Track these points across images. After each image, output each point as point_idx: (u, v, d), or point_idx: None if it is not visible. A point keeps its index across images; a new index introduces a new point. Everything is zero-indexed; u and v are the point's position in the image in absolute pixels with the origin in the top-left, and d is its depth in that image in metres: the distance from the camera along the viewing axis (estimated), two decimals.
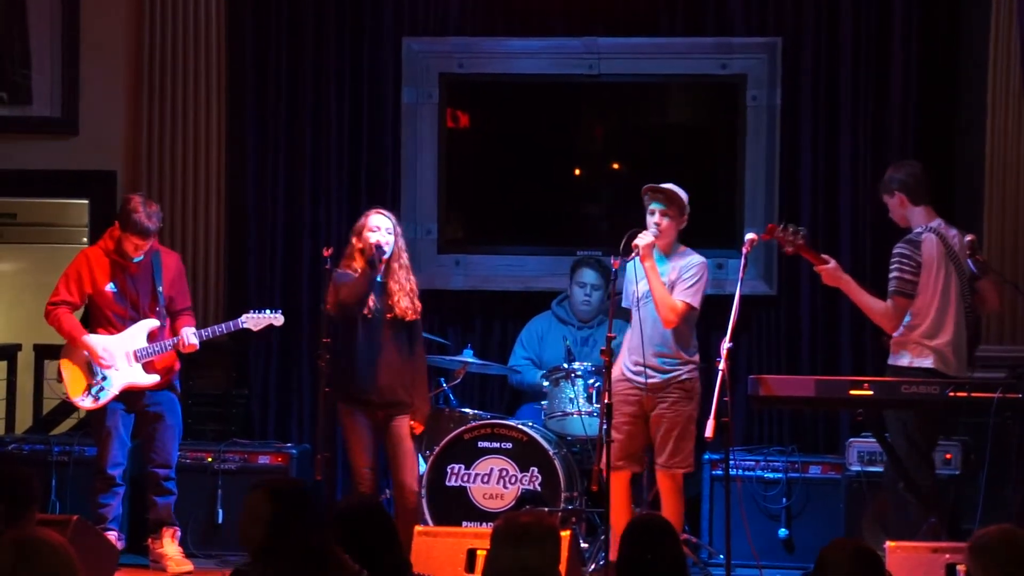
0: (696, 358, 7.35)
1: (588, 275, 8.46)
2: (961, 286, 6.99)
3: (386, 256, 7.41)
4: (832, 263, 7.05)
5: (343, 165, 9.17)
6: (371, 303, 7.38)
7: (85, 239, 9.62)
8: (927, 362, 6.91)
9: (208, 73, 9.07)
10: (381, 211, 7.53)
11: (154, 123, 9.08)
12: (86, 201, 9.61)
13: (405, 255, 7.54)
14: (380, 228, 7.40)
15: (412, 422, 7.50)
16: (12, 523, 4.64)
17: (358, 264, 7.38)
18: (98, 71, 9.26)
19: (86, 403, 7.71)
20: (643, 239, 7.15)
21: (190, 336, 7.67)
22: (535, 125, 9.23)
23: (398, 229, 7.51)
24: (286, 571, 4.28)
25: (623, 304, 7.49)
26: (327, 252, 7.45)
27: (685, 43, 8.98)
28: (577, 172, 9.22)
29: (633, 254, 7.16)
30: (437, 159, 9.10)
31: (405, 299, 7.42)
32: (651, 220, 7.26)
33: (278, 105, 9.19)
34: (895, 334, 7.00)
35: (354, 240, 7.45)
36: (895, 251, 7.02)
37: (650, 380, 7.21)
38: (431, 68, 9.10)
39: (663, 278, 7.22)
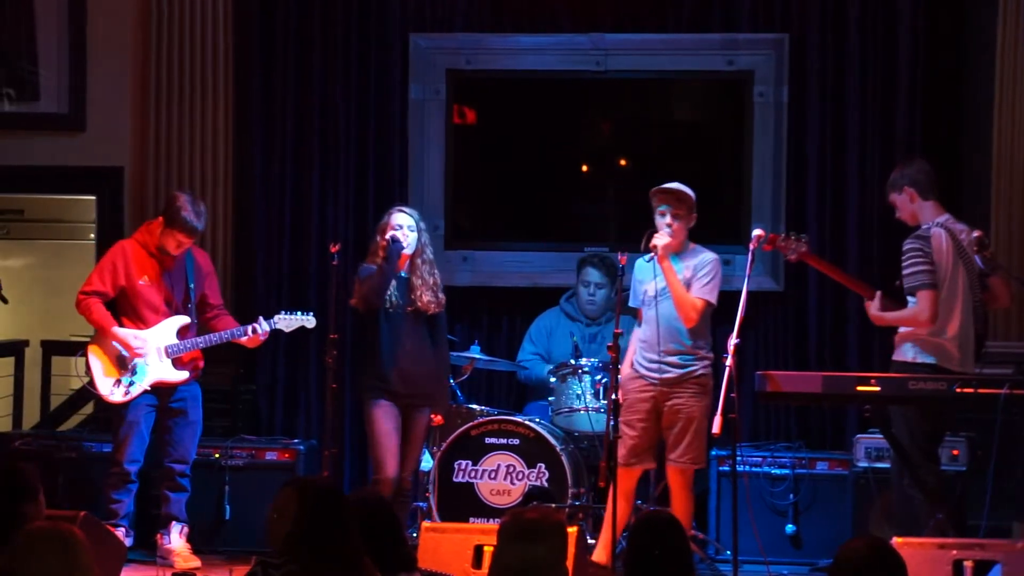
0: (711, 355, 7.36)
1: (592, 274, 8.47)
2: (970, 281, 6.98)
3: (406, 251, 7.44)
4: (874, 303, 7.05)
5: (350, 162, 9.18)
6: (393, 298, 7.42)
7: (92, 235, 9.64)
8: (930, 358, 6.91)
9: (215, 69, 9.08)
10: (404, 209, 7.61)
11: (161, 119, 9.09)
12: (93, 197, 9.62)
13: (429, 250, 7.60)
14: (403, 226, 7.46)
15: (433, 414, 7.54)
16: (13, 519, 4.64)
17: (380, 258, 7.41)
18: (105, 67, 9.27)
19: (116, 396, 7.68)
20: (661, 239, 7.20)
21: (264, 324, 7.69)
22: (542, 121, 9.23)
23: (422, 225, 7.58)
24: (311, 569, 4.29)
25: (630, 303, 7.51)
26: (334, 248, 7.47)
27: (692, 39, 8.98)
28: (584, 168, 9.22)
29: (652, 254, 7.19)
30: (444, 155, 9.11)
31: (428, 294, 7.47)
32: (662, 222, 7.27)
33: (285, 101, 9.20)
34: (901, 328, 7.00)
35: (378, 238, 7.49)
36: (906, 247, 7.00)
37: (665, 375, 7.23)
38: (438, 64, 9.10)
39: (678, 276, 7.25)
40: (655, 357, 7.26)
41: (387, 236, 7.40)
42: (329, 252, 7.53)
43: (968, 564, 6.07)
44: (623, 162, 9.32)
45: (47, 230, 11.00)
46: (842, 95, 8.85)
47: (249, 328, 7.70)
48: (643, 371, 7.32)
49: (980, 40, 8.71)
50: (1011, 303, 7.41)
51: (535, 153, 9.23)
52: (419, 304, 7.45)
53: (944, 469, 7.30)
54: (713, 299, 7.29)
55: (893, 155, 8.62)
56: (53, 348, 9.14)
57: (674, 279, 7.22)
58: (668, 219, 7.28)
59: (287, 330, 7.84)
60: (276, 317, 7.80)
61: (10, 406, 9.30)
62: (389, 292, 7.45)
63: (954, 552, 6.12)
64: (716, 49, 8.94)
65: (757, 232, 7.07)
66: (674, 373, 7.25)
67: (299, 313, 7.85)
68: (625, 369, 7.40)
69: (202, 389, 8.44)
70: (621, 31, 9.03)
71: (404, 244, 7.41)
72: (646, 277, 7.37)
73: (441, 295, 7.56)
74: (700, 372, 7.27)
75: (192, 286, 7.77)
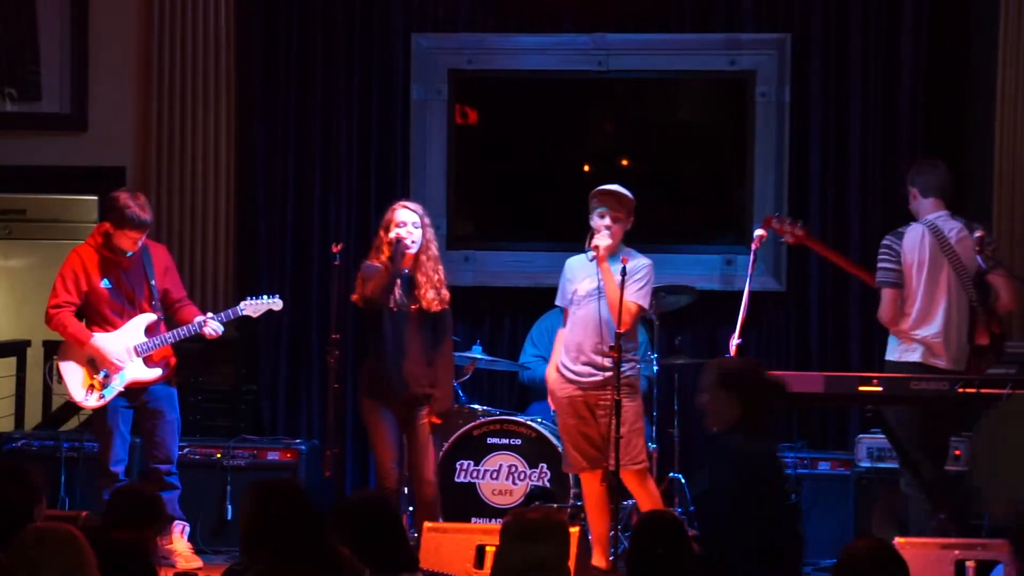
0: (637, 356, 7.32)
1: None
2: (958, 278, 6.98)
3: (412, 251, 7.36)
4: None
5: (352, 161, 9.18)
6: (397, 296, 7.34)
7: None
8: (914, 355, 6.95)
9: (217, 69, 9.08)
10: (407, 205, 7.43)
11: (163, 119, 9.10)
12: (95, 197, 9.61)
13: (434, 246, 7.45)
14: (407, 223, 7.32)
15: (430, 415, 7.36)
16: (17, 519, 4.64)
17: (385, 257, 7.32)
18: (107, 67, 9.28)
19: (91, 402, 7.68)
20: (602, 240, 7.13)
21: (213, 322, 7.67)
22: (544, 121, 9.23)
23: (426, 221, 7.41)
24: (275, 569, 4.29)
25: (557, 301, 7.47)
26: (336, 248, 7.45)
27: (694, 39, 8.98)
28: (586, 168, 9.22)
29: (593, 255, 7.14)
30: (446, 155, 9.11)
31: (431, 291, 7.34)
32: (601, 223, 7.20)
33: (287, 101, 9.20)
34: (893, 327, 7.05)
35: (381, 233, 7.35)
36: (881, 243, 7.10)
37: (594, 378, 7.17)
38: (440, 64, 9.10)
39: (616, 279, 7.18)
40: (580, 358, 7.20)
41: (391, 236, 7.32)
42: (331, 252, 7.51)
43: (970, 564, 6.08)
44: (625, 162, 9.31)
45: (49, 230, 10.99)
46: (844, 95, 8.85)
47: (200, 322, 7.69)
48: (571, 375, 7.24)
49: (982, 39, 8.71)
50: (1016, 305, 7.32)
51: (537, 153, 9.23)
52: (423, 302, 7.38)
53: (947, 469, 7.30)
54: (646, 304, 7.21)
55: (896, 155, 8.64)
56: (55, 348, 9.12)
57: (612, 282, 7.10)
58: (607, 220, 7.22)
59: (255, 315, 7.82)
60: (242, 304, 7.78)
61: (12, 406, 9.30)
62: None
63: (956, 552, 6.13)
64: (718, 49, 8.94)
65: (759, 232, 7.08)
66: (600, 376, 7.16)
67: (265, 297, 7.83)
68: (551, 374, 7.36)
69: (202, 389, 8.50)
70: (623, 31, 9.03)
71: (410, 243, 7.33)
72: (575, 277, 7.31)
73: (444, 292, 7.42)
74: (628, 373, 7.13)
75: (153, 283, 7.75)
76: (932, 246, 6.99)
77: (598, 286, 7.16)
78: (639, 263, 7.21)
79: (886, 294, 7.05)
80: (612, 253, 7.19)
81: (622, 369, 7.07)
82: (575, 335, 7.25)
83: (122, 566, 4.59)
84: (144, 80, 9.19)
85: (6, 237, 11.13)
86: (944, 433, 7.15)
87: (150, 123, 9.13)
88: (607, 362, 7.12)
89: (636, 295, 7.14)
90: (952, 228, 7.04)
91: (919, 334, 6.97)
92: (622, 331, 7.01)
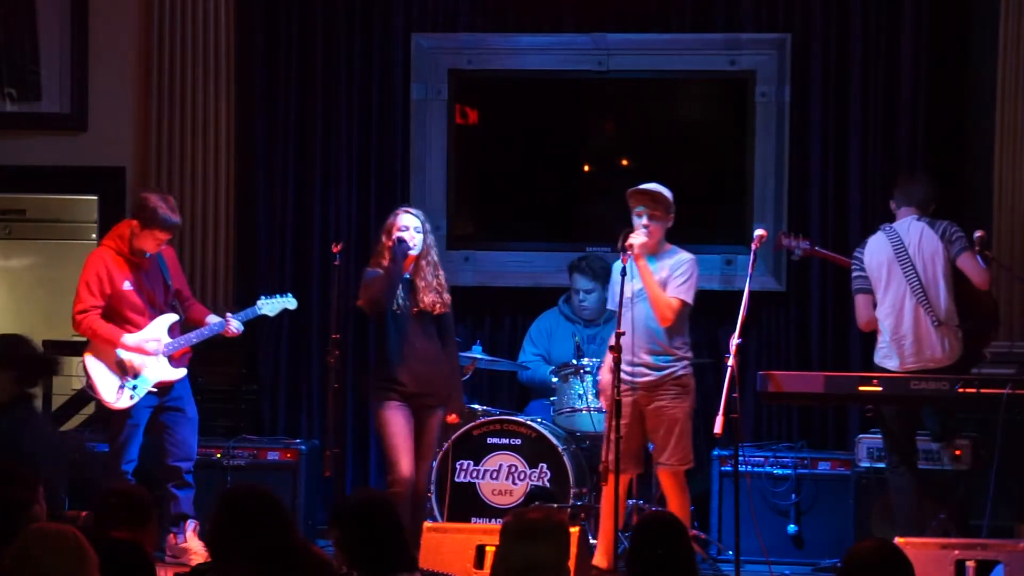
0: (690, 354, 7.34)
1: (579, 280, 8.45)
2: (919, 281, 7.04)
3: (413, 253, 7.38)
4: None
5: (352, 161, 9.18)
6: (399, 300, 7.36)
7: (94, 235, 9.63)
8: (887, 362, 7.01)
9: (217, 69, 9.08)
10: (409, 210, 7.48)
11: (163, 119, 9.09)
12: (95, 197, 9.63)
13: (433, 251, 7.49)
14: (409, 227, 7.35)
15: (449, 416, 7.45)
16: (16, 520, 4.66)
17: (386, 261, 7.34)
18: (107, 67, 9.28)
19: (123, 402, 7.66)
20: (637, 239, 7.16)
21: (234, 321, 7.71)
22: (544, 121, 9.24)
23: (426, 227, 7.46)
24: (240, 571, 4.32)
25: (608, 306, 7.50)
26: (336, 248, 7.46)
27: (694, 39, 8.98)
28: (586, 168, 9.22)
29: (628, 253, 7.16)
30: (446, 155, 9.11)
31: (431, 294, 7.38)
32: (639, 223, 7.23)
33: (287, 101, 9.20)
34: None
35: (384, 239, 7.40)
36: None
37: (645, 378, 7.20)
38: (440, 64, 9.11)
39: (654, 277, 7.21)
40: (633, 360, 7.20)
41: (393, 238, 7.36)
42: (331, 252, 7.52)
43: (970, 564, 6.09)
44: (625, 162, 9.31)
45: (49, 230, 10.99)
46: (845, 95, 8.85)
47: (223, 322, 7.72)
48: (626, 376, 7.21)
49: (982, 39, 8.71)
50: (987, 284, 7.30)
51: (537, 153, 9.23)
52: (422, 305, 7.40)
53: (948, 469, 7.32)
54: (689, 299, 7.24)
55: (896, 155, 8.64)
56: (55, 348, 9.12)
57: (650, 278, 7.17)
58: (645, 220, 7.24)
59: (272, 314, 7.86)
60: (259, 303, 7.81)
61: None
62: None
63: (956, 552, 6.14)
64: (718, 49, 8.94)
65: (759, 232, 7.10)
66: (653, 376, 7.20)
67: (278, 296, 7.86)
68: (604, 374, 7.38)
69: (203, 389, 8.48)
70: (623, 31, 9.03)
71: (411, 245, 7.33)
72: (621, 279, 7.33)
73: (446, 295, 7.47)
74: (680, 372, 7.20)
75: (170, 283, 7.77)
76: (887, 252, 7.06)
77: (640, 287, 7.20)
78: (681, 258, 7.30)
79: (858, 300, 7.22)
80: (653, 252, 7.24)
81: (673, 368, 7.20)
82: (627, 337, 7.27)
83: (122, 566, 4.60)
84: (144, 80, 9.19)
85: (6, 237, 11.13)
86: (913, 432, 7.25)
87: (150, 123, 9.13)
88: (655, 361, 7.21)
89: (678, 290, 7.21)
90: (915, 228, 7.08)
91: (886, 340, 7.05)
92: (666, 327, 7.16)
